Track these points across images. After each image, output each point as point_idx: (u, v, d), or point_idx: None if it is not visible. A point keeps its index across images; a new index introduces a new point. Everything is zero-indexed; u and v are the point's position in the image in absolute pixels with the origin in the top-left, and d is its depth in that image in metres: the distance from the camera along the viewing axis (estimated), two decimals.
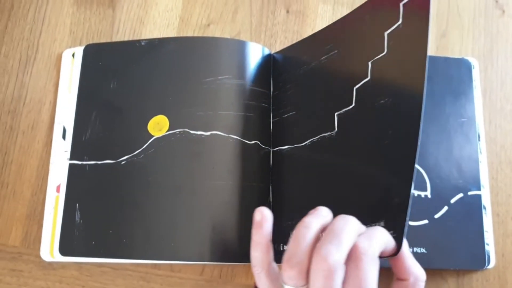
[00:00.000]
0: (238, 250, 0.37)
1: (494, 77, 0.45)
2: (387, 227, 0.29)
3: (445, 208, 0.39)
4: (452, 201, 0.39)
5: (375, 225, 0.30)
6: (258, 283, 0.30)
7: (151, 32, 0.46)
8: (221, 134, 0.39)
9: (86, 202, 0.39)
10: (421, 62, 0.30)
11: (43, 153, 0.42)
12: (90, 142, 0.40)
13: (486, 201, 0.40)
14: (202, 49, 0.41)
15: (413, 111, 0.30)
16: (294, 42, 0.43)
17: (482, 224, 0.39)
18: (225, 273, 0.40)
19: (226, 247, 0.37)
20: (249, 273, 0.39)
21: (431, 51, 0.46)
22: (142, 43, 0.42)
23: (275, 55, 0.43)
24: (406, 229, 0.28)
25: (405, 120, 0.31)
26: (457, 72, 0.43)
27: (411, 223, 0.38)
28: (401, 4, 0.33)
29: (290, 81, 0.40)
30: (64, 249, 0.38)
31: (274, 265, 0.30)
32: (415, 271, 0.28)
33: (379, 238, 0.27)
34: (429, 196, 0.39)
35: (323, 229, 0.28)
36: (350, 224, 0.27)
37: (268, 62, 0.42)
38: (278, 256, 0.30)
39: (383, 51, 0.34)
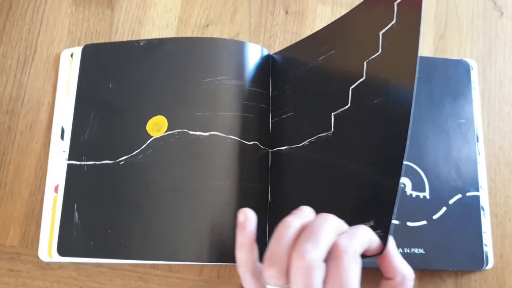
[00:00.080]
0: None
1: (492, 78, 0.45)
2: (376, 226, 0.29)
3: (444, 209, 0.39)
4: (451, 202, 0.39)
5: (367, 224, 0.29)
6: (244, 284, 0.30)
7: (149, 32, 0.46)
8: (220, 134, 0.39)
9: (85, 203, 0.39)
10: (412, 62, 0.30)
11: (41, 153, 0.42)
12: (89, 142, 0.40)
13: (484, 202, 0.40)
14: (201, 50, 0.41)
15: (403, 111, 0.30)
16: (293, 43, 0.43)
17: (480, 225, 0.39)
18: (224, 273, 0.40)
19: (225, 247, 0.36)
20: None
21: (430, 52, 0.46)
22: (141, 44, 0.42)
23: (274, 55, 0.43)
24: (391, 227, 0.28)
25: (396, 119, 0.31)
26: (456, 74, 0.43)
27: (410, 224, 0.38)
28: (395, 4, 0.33)
29: (289, 81, 0.40)
30: (62, 249, 0.38)
31: (260, 265, 0.30)
32: (402, 270, 0.28)
33: (361, 237, 0.27)
34: (428, 197, 0.39)
35: (305, 229, 0.28)
36: (328, 222, 0.27)
37: (267, 63, 0.42)
38: None
39: (378, 51, 0.34)
